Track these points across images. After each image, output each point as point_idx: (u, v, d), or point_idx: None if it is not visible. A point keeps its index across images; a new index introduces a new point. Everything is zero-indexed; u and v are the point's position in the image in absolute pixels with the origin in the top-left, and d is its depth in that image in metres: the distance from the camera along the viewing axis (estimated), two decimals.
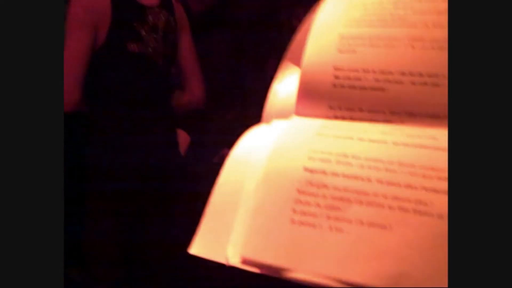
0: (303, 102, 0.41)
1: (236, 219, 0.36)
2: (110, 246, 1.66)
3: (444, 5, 0.39)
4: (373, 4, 0.42)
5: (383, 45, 0.40)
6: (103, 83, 1.63)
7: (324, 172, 0.35)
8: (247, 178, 0.38)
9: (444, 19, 0.39)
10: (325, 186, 0.35)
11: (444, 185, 0.33)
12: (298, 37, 0.46)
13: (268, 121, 0.44)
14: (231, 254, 0.35)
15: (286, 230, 0.33)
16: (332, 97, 0.40)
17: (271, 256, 0.33)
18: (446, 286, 0.31)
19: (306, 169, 0.36)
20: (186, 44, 1.83)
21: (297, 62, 0.43)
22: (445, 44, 0.39)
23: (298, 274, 0.33)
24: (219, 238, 0.36)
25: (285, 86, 0.45)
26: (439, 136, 0.37)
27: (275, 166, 0.36)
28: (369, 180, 0.34)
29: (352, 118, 0.40)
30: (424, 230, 0.32)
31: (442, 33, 0.39)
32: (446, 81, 0.38)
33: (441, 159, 0.35)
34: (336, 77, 0.40)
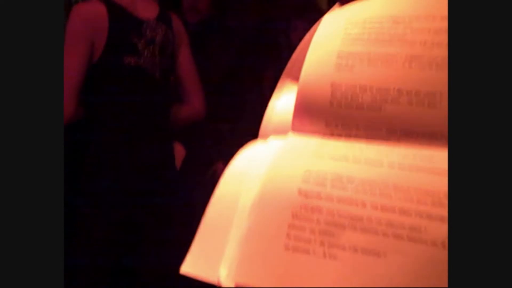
0: (300, 119, 0.41)
1: (230, 239, 0.36)
2: (101, 259, 1.66)
3: (442, 24, 0.39)
4: (372, 22, 0.41)
5: (381, 63, 0.40)
6: (100, 96, 1.64)
7: (318, 196, 0.35)
8: (241, 198, 0.38)
9: (442, 38, 0.39)
10: (319, 210, 0.35)
11: (438, 211, 0.33)
12: (296, 53, 0.45)
13: (265, 137, 0.43)
14: (223, 276, 0.35)
15: (280, 256, 0.33)
16: (329, 114, 0.40)
17: (265, 282, 0.33)
18: None
19: (301, 192, 0.36)
20: (185, 58, 1.84)
21: (295, 78, 0.43)
22: (443, 63, 0.38)
23: None
24: (212, 258, 0.36)
25: (282, 102, 0.45)
26: (435, 157, 0.37)
27: (269, 188, 0.36)
28: (363, 205, 0.34)
29: (348, 136, 0.40)
30: (417, 257, 0.32)
31: (440, 52, 0.39)
32: (443, 101, 0.38)
33: (437, 183, 0.34)
34: (333, 94, 0.40)
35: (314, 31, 0.43)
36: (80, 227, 1.65)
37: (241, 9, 2.68)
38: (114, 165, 1.63)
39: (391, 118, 0.39)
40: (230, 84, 2.26)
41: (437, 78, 0.38)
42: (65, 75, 1.47)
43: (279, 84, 0.46)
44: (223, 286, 0.34)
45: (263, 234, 0.34)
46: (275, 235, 0.34)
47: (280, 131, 0.42)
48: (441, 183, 0.34)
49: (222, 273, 0.35)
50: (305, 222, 0.34)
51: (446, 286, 0.31)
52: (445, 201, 0.34)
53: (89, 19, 1.58)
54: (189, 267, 0.37)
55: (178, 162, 1.94)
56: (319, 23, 0.43)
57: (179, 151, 1.95)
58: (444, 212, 0.33)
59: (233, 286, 0.34)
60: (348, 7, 0.44)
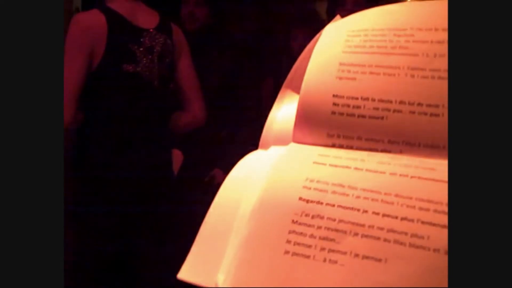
0: (301, 129, 0.41)
1: (228, 246, 0.35)
2: (99, 266, 1.66)
3: (445, 35, 0.39)
4: (374, 32, 0.42)
5: (383, 73, 0.40)
6: (98, 102, 1.66)
7: (319, 202, 0.35)
8: (241, 205, 0.37)
9: (445, 48, 0.39)
10: (320, 216, 0.34)
11: (441, 218, 0.33)
12: (297, 64, 0.45)
13: (265, 147, 0.43)
14: (220, 281, 0.34)
15: (280, 261, 0.32)
16: (330, 124, 0.40)
17: (263, 286, 0.32)
18: None
19: (302, 199, 0.35)
20: (185, 66, 1.87)
21: (296, 89, 0.43)
22: (446, 74, 0.38)
23: None
24: (210, 264, 0.35)
25: (283, 112, 0.45)
26: (437, 167, 0.36)
27: (270, 194, 0.36)
28: (365, 211, 0.34)
29: (350, 147, 0.39)
30: (420, 264, 0.31)
31: (442, 62, 0.39)
32: (445, 111, 0.37)
33: (439, 192, 0.34)
34: (335, 104, 0.40)
35: (315, 42, 0.43)
36: (77, 232, 1.65)
37: (240, 17, 2.72)
38: (112, 171, 1.64)
39: (393, 129, 0.39)
40: (229, 90, 2.28)
41: (440, 89, 0.38)
42: (64, 82, 1.50)
43: (280, 95, 0.46)
44: None
45: (263, 239, 0.34)
46: (275, 240, 0.33)
47: (281, 141, 0.42)
48: (444, 192, 0.34)
49: (220, 279, 0.34)
50: (306, 228, 0.34)
51: None
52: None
53: (88, 28, 1.63)
54: (186, 273, 0.36)
55: (176, 168, 1.94)
56: (320, 34, 0.44)
57: (177, 157, 1.96)
58: (447, 220, 0.33)
59: None
60: (349, 19, 0.44)
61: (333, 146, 0.40)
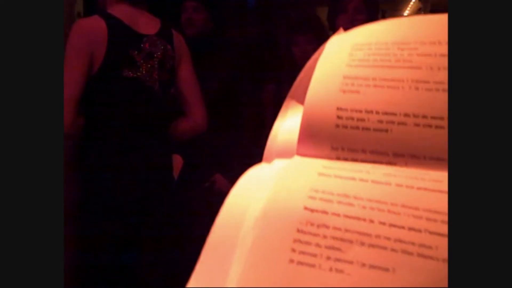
0: (305, 142, 0.40)
1: (235, 258, 0.35)
2: (99, 268, 1.65)
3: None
4: (377, 45, 0.42)
5: (387, 86, 0.40)
6: (98, 106, 1.67)
7: (325, 212, 0.34)
8: (246, 218, 0.37)
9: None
10: (325, 226, 0.33)
11: None
12: (301, 76, 0.45)
13: (269, 161, 0.43)
14: None
15: (284, 269, 0.32)
16: (334, 137, 0.40)
17: None
18: None
19: (307, 208, 0.35)
20: (186, 72, 1.89)
21: (300, 100, 0.43)
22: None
23: None
24: (216, 277, 0.35)
25: (287, 125, 0.44)
26: (443, 179, 0.36)
27: (274, 204, 0.35)
28: (371, 221, 0.33)
29: (354, 160, 0.39)
30: (428, 274, 0.31)
31: (446, 75, 0.39)
32: None
33: (446, 203, 0.34)
34: (339, 117, 0.40)
35: (319, 54, 0.43)
36: (78, 236, 1.64)
37: (241, 22, 2.74)
38: (112, 175, 1.64)
39: (398, 141, 0.38)
40: (229, 95, 2.28)
41: (444, 102, 0.38)
42: (64, 87, 1.51)
43: (284, 106, 0.45)
44: None
45: (267, 247, 0.33)
46: (280, 249, 0.33)
47: (284, 154, 0.42)
48: None
49: None
50: (311, 237, 0.33)
51: None
52: None
53: (88, 33, 1.66)
54: (196, 283, 0.35)
55: (176, 172, 1.94)
56: (324, 46, 0.44)
57: (177, 162, 1.95)
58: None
59: None
60: (353, 32, 0.44)
61: (338, 159, 0.39)
